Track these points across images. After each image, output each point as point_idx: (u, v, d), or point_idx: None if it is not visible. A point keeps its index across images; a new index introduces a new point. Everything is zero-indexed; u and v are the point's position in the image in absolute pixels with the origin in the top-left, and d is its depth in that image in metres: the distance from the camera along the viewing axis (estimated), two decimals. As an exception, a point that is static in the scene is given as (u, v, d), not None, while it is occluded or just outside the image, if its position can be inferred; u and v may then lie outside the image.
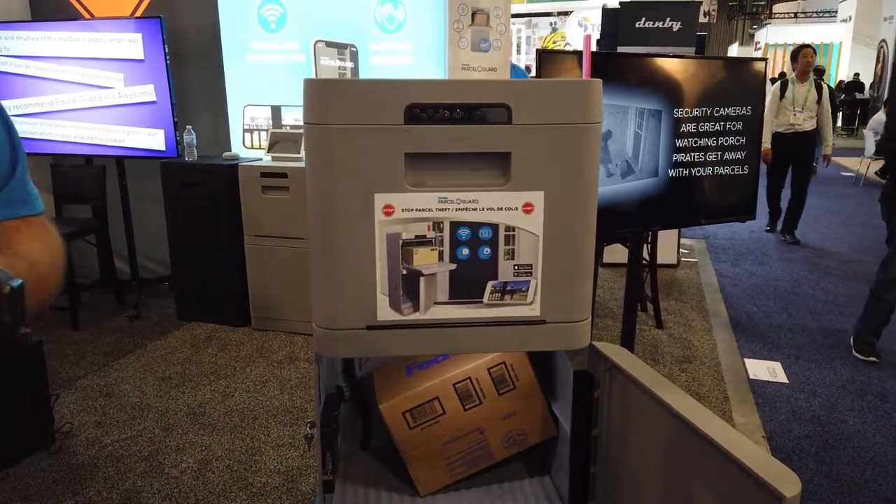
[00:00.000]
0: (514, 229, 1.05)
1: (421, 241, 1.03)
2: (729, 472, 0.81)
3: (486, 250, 1.05)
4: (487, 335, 1.08)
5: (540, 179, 1.03)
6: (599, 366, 1.13)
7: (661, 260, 4.41)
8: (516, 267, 1.06)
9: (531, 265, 1.06)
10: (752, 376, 3.14)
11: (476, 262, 1.05)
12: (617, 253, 4.76)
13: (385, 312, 1.05)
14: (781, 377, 3.14)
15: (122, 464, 2.38)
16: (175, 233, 3.83)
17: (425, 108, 0.99)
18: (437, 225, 1.03)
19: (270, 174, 3.50)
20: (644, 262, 3.68)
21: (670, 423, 0.93)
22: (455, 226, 1.04)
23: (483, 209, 1.04)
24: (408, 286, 1.05)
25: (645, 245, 3.72)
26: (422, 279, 1.05)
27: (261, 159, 3.71)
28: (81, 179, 4.03)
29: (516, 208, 1.04)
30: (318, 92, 0.99)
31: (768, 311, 4.07)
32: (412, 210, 1.02)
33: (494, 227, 1.04)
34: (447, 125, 1.00)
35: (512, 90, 1.00)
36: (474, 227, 1.04)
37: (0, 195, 0.87)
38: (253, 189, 3.53)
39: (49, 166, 4.09)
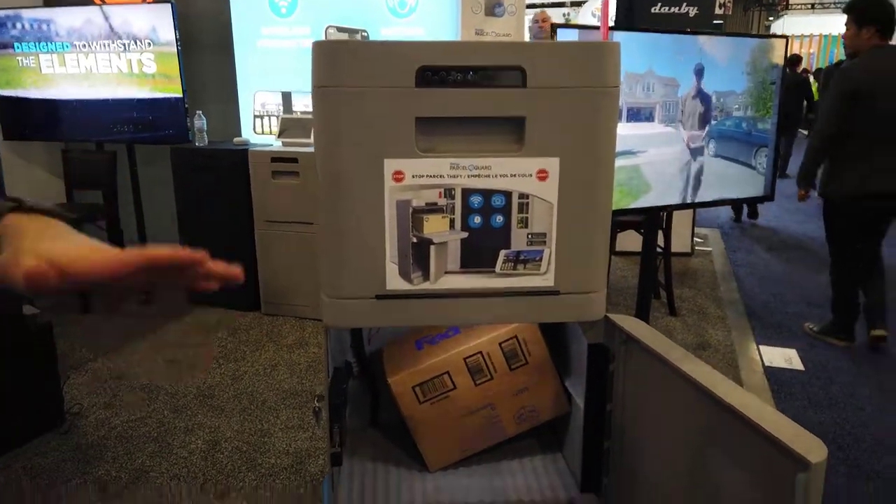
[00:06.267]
0: (527, 197, 1.02)
1: (432, 208, 1.01)
2: (752, 439, 0.78)
3: (499, 218, 1.02)
4: (499, 306, 1.05)
5: (555, 145, 1.00)
6: (615, 338, 1.10)
7: (674, 248, 4.35)
8: (530, 236, 1.03)
9: (545, 234, 1.03)
10: (767, 364, 3.10)
11: (488, 230, 1.03)
12: (630, 241, 4.71)
13: (394, 281, 1.03)
14: (797, 365, 3.09)
15: (131, 444, 2.38)
16: (185, 218, 3.83)
17: (437, 70, 0.96)
18: (449, 192, 1.01)
19: (281, 159, 3.48)
20: (658, 248, 3.64)
21: (689, 393, 0.90)
22: (467, 193, 1.01)
23: (496, 176, 1.01)
24: (418, 255, 1.02)
25: (659, 232, 3.68)
26: (432, 248, 1.02)
27: (271, 145, 3.70)
28: (92, 165, 4.03)
29: (530, 175, 1.01)
30: (328, 54, 0.96)
31: (784, 299, 4.02)
32: (423, 176, 1.00)
33: (507, 195, 1.01)
34: (460, 88, 0.97)
35: (527, 52, 0.97)
36: (487, 194, 1.01)
37: None
38: (263, 174, 3.52)
39: (60, 152, 4.10)
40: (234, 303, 3.77)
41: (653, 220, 2.68)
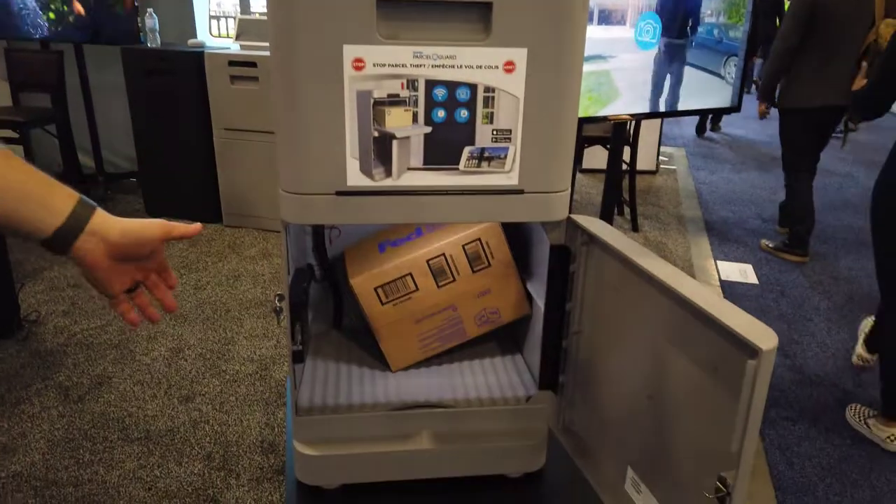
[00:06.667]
0: (493, 90, 0.98)
1: (394, 100, 0.97)
2: (707, 332, 0.79)
3: (464, 113, 0.99)
4: (463, 204, 1.03)
5: (523, 35, 0.95)
6: (577, 239, 1.10)
7: (640, 166, 4.38)
8: (495, 132, 1.00)
9: (510, 130, 1.00)
10: (723, 278, 3.19)
11: (452, 125, 0.99)
12: (595, 159, 4.71)
13: (355, 177, 1.00)
14: (752, 279, 3.20)
15: (91, 351, 2.36)
16: (140, 125, 3.67)
17: (400, -52, 0.90)
18: (412, 83, 0.96)
19: (239, 63, 3.33)
20: (623, 163, 3.64)
21: (648, 289, 0.91)
22: (431, 85, 0.97)
23: (461, 67, 0.96)
24: (380, 150, 0.99)
25: (625, 148, 3.67)
26: (395, 142, 0.99)
27: (228, 48, 3.52)
28: (38, 66, 3.81)
29: (497, 67, 0.97)
30: (281, -74, 0.89)
31: (743, 216, 4.10)
32: (384, 65, 0.95)
33: (473, 88, 0.98)
34: (424, -31, 0.91)
35: (495, -69, 0.91)
36: (451, 86, 0.97)
37: None
38: (221, 79, 3.37)
39: (3, 51, 3.86)
40: (194, 214, 3.68)
41: (619, 132, 2.66)
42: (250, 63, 3.30)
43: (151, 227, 0.78)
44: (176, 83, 3.48)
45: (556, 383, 1.20)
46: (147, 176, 3.77)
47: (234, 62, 3.33)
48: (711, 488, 0.81)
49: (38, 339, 2.43)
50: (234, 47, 3.49)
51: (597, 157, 4.65)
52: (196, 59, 3.39)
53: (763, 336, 0.72)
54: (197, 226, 0.84)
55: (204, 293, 2.83)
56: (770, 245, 3.52)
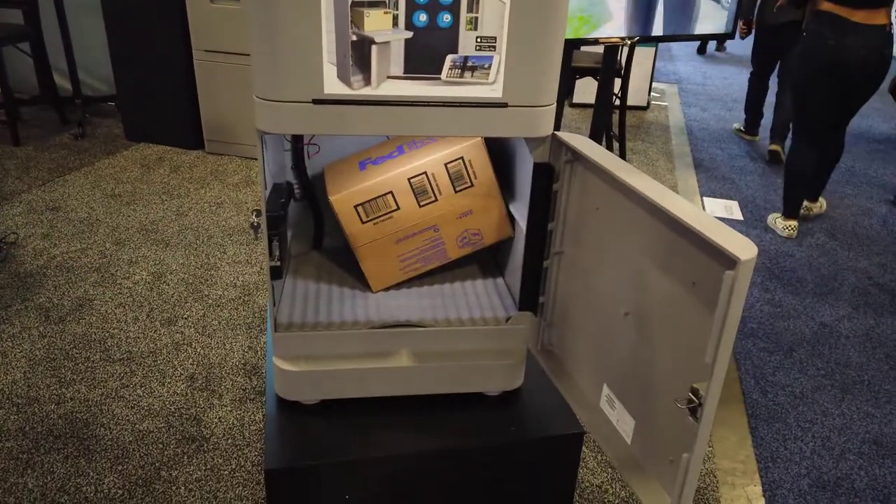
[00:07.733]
0: (478, -6, 0.93)
1: (373, 0, 0.92)
2: (685, 244, 0.78)
3: (447, 17, 0.94)
4: (444, 117, 1.00)
5: (510, -66, 0.90)
6: (561, 157, 1.07)
7: (631, 101, 4.31)
8: (479, 39, 0.96)
9: (495, 38, 0.96)
10: (709, 213, 3.19)
11: (435, 30, 0.95)
12: (586, 93, 4.63)
13: (333, 85, 0.96)
14: (737, 215, 3.20)
15: (72, 274, 2.34)
16: (117, 45, 3.53)
17: None
18: (392, -16, 0.91)
19: (219, -20, 3.18)
20: (614, 96, 3.58)
21: (629, 206, 0.90)
22: (412, -14, 0.92)
23: (445, -33, 0.92)
24: (358, 55, 0.94)
25: (616, 81, 3.59)
26: (374, 48, 0.94)
27: (208, -36, 3.36)
28: (7, -21, 3.62)
29: (482, -31, 0.92)
30: None
31: (732, 154, 4.08)
32: (364, -37, 0.90)
33: (457, -9, 0.93)
34: None
35: None
36: (434, -11, 0.92)
37: None
38: (200, -4, 3.23)
39: (-32, -37, 3.66)
40: (175, 140, 3.60)
41: (610, 60, 2.60)
42: (231, -20, 3.16)
43: None
44: (152, 1, 3.34)
45: (535, 304, 1.20)
46: (126, 100, 3.65)
47: (213, -21, 3.18)
48: (684, 401, 0.81)
49: (16, 261, 2.40)
50: (213, -36, 3.33)
51: (587, 90, 4.57)
52: (173, -26, 3.24)
53: (742, 247, 0.71)
54: None
55: (186, 219, 2.79)
56: (737, 126, 4.52)
